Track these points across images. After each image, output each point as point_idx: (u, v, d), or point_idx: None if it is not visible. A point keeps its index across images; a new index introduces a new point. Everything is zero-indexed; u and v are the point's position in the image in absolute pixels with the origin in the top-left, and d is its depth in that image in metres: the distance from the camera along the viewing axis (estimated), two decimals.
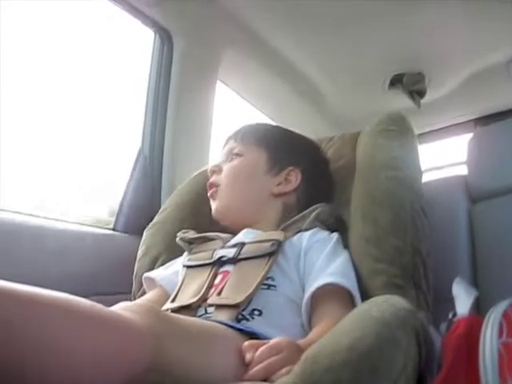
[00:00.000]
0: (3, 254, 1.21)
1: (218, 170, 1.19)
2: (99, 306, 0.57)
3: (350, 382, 0.50)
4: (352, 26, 1.88)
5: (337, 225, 1.08)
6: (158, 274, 1.15)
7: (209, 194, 1.18)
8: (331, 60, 2.10)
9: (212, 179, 1.18)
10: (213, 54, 1.84)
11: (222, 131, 1.75)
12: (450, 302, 0.75)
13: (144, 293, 1.19)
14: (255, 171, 1.16)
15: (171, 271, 1.13)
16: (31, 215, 1.41)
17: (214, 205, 1.17)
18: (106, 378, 0.56)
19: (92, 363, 0.54)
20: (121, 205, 1.66)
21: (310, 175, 1.17)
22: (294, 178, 1.16)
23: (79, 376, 0.54)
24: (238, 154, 1.18)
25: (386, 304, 0.60)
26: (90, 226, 1.61)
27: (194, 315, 0.89)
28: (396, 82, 2.23)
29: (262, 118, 2.28)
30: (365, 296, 0.88)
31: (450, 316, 0.72)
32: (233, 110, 2.31)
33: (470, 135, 1.34)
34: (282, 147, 1.20)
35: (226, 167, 1.18)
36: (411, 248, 0.95)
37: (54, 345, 0.51)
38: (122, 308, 0.61)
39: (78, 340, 0.53)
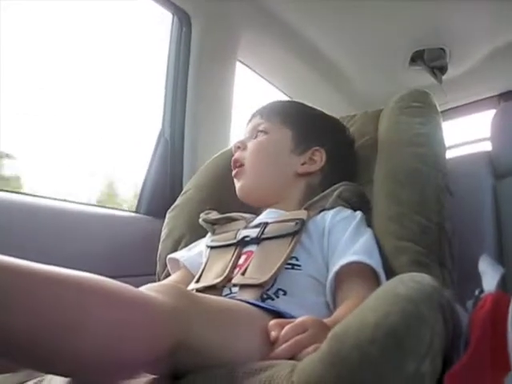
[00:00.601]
0: (28, 236, 1.23)
1: (242, 146, 1.17)
2: (125, 286, 0.58)
3: (377, 358, 0.49)
4: (372, 2, 1.85)
5: (360, 203, 1.07)
6: (181, 255, 1.16)
7: (233, 174, 1.17)
8: (351, 37, 2.07)
9: (236, 155, 1.17)
10: (231, 35, 1.83)
11: (243, 112, 1.74)
12: (475, 279, 0.74)
13: (168, 274, 1.20)
14: (280, 149, 1.15)
15: (195, 252, 1.14)
16: (55, 199, 1.43)
17: (238, 184, 1.16)
18: (132, 357, 0.57)
19: (118, 342, 0.54)
20: (143, 188, 1.68)
21: (335, 156, 1.16)
22: (319, 157, 1.15)
23: (104, 354, 0.54)
24: (263, 131, 1.16)
25: (411, 281, 0.60)
26: (113, 208, 1.63)
27: (219, 295, 0.90)
28: (417, 58, 2.20)
29: (283, 97, 2.26)
30: (389, 274, 0.87)
31: (477, 293, 0.71)
32: (253, 91, 2.30)
33: (494, 111, 1.32)
34: (307, 126, 1.18)
35: (250, 144, 1.16)
36: (436, 225, 0.95)
37: (80, 322, 0.52)
38: (147, 288, 0.62)
39: (104, 318, 0.54)
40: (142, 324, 0.56)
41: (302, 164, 1.14)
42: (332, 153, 1.16)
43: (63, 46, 1.58)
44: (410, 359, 0.51)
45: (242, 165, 1.15)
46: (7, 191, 1.32)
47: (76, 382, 0.66)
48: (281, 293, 0.89)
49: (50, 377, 0.72)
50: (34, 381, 0.74)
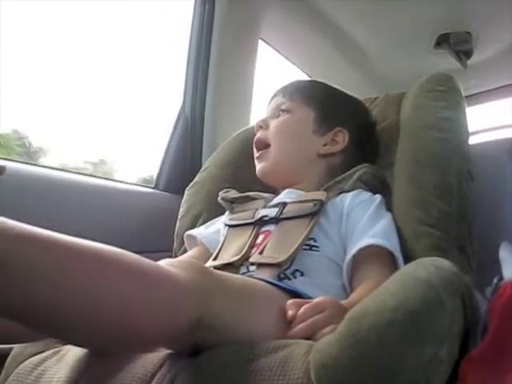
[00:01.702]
0: (49, 208, 1.24)
1: (264, 125, 1.17)
2: (145, 260, 0.58)
3: (394, 342, 0.49)
4: None
5: (380, 187, 1.07)
6: (199, 232, 1.16)
7: (257, 155, 1.16)
8: (375, 19, 2.04)
9: (258, 135, 1.17)
10: (254, 13, 1.80)
11: (263, 91, 1.74)
12: (495, 266, 0.74)
13: (185, 251, 1.20)
14: (303, 129, 1.14)
15: (213, 230, 1.14)
16: (77, 173, 1.44)
17: (260, 165, 1.15)
18: (151, 331, 0.57)
19: (136, 316, 0.55)
20: (162, 164, 1.68)
21: (357, 137, 1.15)
22: (342, 138, 1.14)
23: (123, 327, 0.55)
24: (285, 110, 1.16)
25: (431, 266, 0.60)
26: (132, 184, 1.64)
27: (236, 273, 0.90)
28: (442, 41, 2.16)
29: (304, 77, 2.25)
30: (408, 259, 0.87)
31: (496, 280, 0.71)
32: (275, 70, 2.29)
33: None
34: (330, 107, 1.17)
35: (273, 123, 1.16)
36: (456, 211, 0.94)
37: (100, 294, 0.53)
38: (166, 263, 0.62)
39: (124, 291, 0.54)
40: (163, 299, 0.56)
41: (324, 145, 1.13)
42: (354, 134, 1.15)
43: (85, 22, 1.58)
44: (429, 344, 0.51)
45: (267, 146, 1.14)
46: (32, 164, 1.33)
47: (93, 353, 0.67)
48: (298, 273, 0.89)
49: (68, 347, 0.73)
50: (53, 350, 0.75)
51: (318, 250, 0.93)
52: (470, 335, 0.61)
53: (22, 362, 0.76)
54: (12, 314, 0.52)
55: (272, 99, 1.23)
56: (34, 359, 0.75)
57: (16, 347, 0.80)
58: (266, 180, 1.16)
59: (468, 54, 2.21)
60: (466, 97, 1.15)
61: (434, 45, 2.18)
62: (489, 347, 0.59)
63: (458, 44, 2.16)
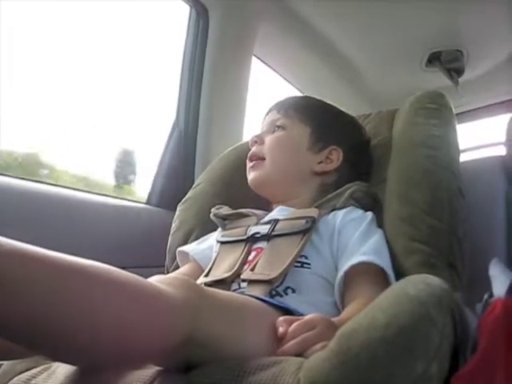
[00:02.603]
0: (38, 224, 1.24)
1: (259, 140, 1.17)
2: (135, 276, 0.58)
3: (385, 359, 0.50)
4: (390, 1, 1.83)
5: (371, 204, 1.07)
6: (191, 248, 1.16)
7: (251, 165, 1.16)
8: (368, 36, 2.06)
9: (253, 150, 1.17)
10: (248, 29, 1.82)
11: (257, 107, 1.75)
12: (485, 283, 0.74)
13: (177, 267, 1.20)
14: (298, 146, 1.14)
15: (205, 246, 1.14)
16: (65, 187, 1.44)
17: (252, 174, 1.15)
18: (141, 349, 0.57)
19: (125, 333, 0.55)
20: (154, 179, 1.68)
21: (352, 156, 1.15)
22: (336, 157, 1.14)
23: (112, 345, 0.55)
24: (280, 127, 1.16)
25: (421, 283, 0.60)
26: (124, 199, 1.63)
27: (228, 290, 0.90)
28: (434, 59, 2.19)
29: (296, 93, 2.26)
30: (399, 275, 0.87)
31: (486, 297, 0.71)
32: (267, 87, 2.30)
33: (510, 115, 1.31)
34: (326, 124, 1.17)
35: (268, 139, 1.16)
36: (447, 228, 0.94)
37: (88, 312, 0.53)
38: (157, 280, 0.62)
39: (113, 309, 0.54)
40: (153, 316, 0.56)
41: (319, 163, 1.13)
42: (349, 153, 1.15)
43: (78, 34, 1.59)
44: (419, 361, 0.51)
45: (260, 158, 1.14)
46: (18, 178, 1.33)
47: (83, 370, 0.67)
48: (290, 290, 0.89)
49: (57, 364, 0.72)
50: (42, 367, 0.74)
51: (309, 267, 0.93)
52: (460, 352, 0.61)
53: (12, 378, 0.74)
54: (1, 330, 0.52)
55: (267, 114, 1.23)
56: (23, 376, 0.74)
57: (5, 364, 0.79)
58: (258, 190, 1.16)
59: (459, 71, 2.23)
60: (457, 114, 1.16)
61: (426, 62, 2.21)
62: (479, 364, 0.59)
63: (449, 62, 2.18)
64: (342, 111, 1.25)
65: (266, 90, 2.29)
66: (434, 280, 0.62)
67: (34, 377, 0.73)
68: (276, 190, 1.14)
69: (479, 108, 2.58)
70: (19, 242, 0.51)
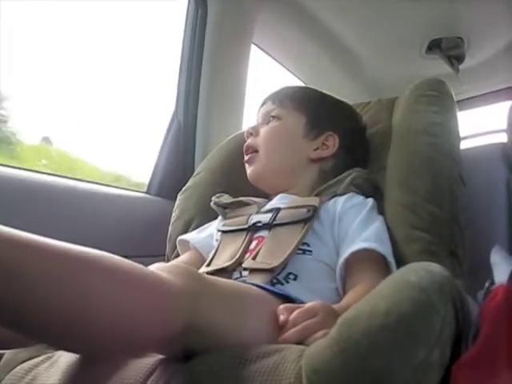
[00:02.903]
0: (39, 213, 1.24)
1: (254, 132, 1.17)
2: (136, 264, 0.58)
3: (386, 346, 0.49)
4: None
5: (372, 190, 1.07)
6: (192, 236, 1.16)
7: (246, 159, 1.16)
8: (367, 23, 2.04)
9: (249, 142, 1.17)
10: (247, 17, 1.81)
11: (256, 96, 1.74)
12: (486, 270, 0.74)
13: (177, 256, 1.20)
14: (293, 135, 1.14)
15: (205, 234, 1.14)
16: (67, 177, 1.44)
17: (250, 168, 1.15)
18: (142, 337, 0.57)
19: (126, 321, 0.55)
20: (154, 169, 1.68)
21: (348, 141, 1.15)
22: (332, 143, 1.14)
23: (113, 333, 0.55)
24: (275, 117, 1.16)
25: (423, 270, 0.60)
26: (124, 188, 1.63)
27: (229, 278, 0.90)
28: (434, 47, 2.17)
29: (297, 82, 2.25)
30: (400, 263, 0.88)
31: (487, 284, 0.71)
32: (267, 75, 2.29)
33: (510, 102, 1.30)
34: (320, 112, 1.17)
35: (263, 130, 1.16)
36: (448, 215, 0.94)
37: (89, 300, 0.52)
38: (158, 268, 0.62)
39: (113, 296, 0.54)
40: (153, 304, 0.56)
41: (315, 149, 1.13)
42: (345, 138, 1.15)
43: (77, 28, 1.59)
44: (420, 348, 0.51)
45: (255, 151, 1.15)
46: (19, 168, 1.33)
47: (85, 359, 0.67)
48: (291, 277, 0.89)
49: (59, 353, 0.73)
50: (44, 356, 0.74)
51: (310, 254, 0.93)
52: (462, 339, 0.61)
53: (14, 368, 0.75)
54: (1, 319, 0.52)
55: (262, 106, 1.23)
56: (26, 365, 0.74)
57: (7, 353, 0.79)
58: (257, 184, 1.16)
59: (460, 58, 2.22)
60: (458, 101, 1.16)
61: (426, 50, 2.20)
62: (480, 351, 0.59)
63: (449, 49, 2.17)
64: (336, 99, 1.25)
65: (265, 79, 2.28)
66: (435, 267, 0.62)
67: (36, 366, 0.73)
68: (274, 181, 1.14)
69: (480, 95, 2.57)
70: (19, 231, 0.51)
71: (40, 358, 0.74)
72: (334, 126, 1.15)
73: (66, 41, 1.55)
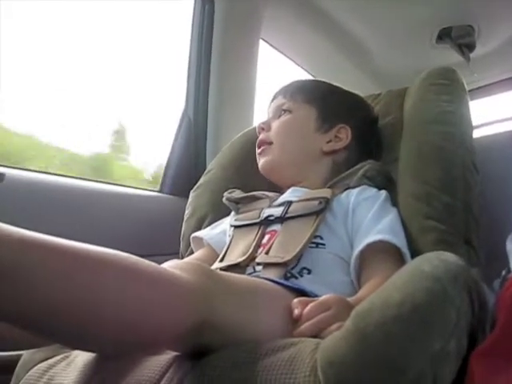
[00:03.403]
0: (55, 214, 1.25)
1: (266, 127, 1.16)
2: (149, 263, 0.58)
3: (401, 337, 0.49)
4: None
5: (385, 182, 1.06)
6: (205, 233, 1.16)
7: (259, 151, 1.16)
8: (376, 14, 2.03)
9: (261, 137, 1.16)
10: (255, 12, 1.81)
11: (266, 91, 1.73)
12: (503, 259, 0.74)
13: (191, 253, 1.20)
14: (305, 128, 1.14)
15: (219, 230, 1.14)
16: (81, 178, 1.45)
17: (262, 160, 1.15)
18: (156, 334, 0.57)
19: (140, 319, 0.55)
20: (166, 167, 1.69)
21: (361, 133, 1.15)
22: (345, 135, 1.13)
23: (127, 330, 0.55)
24: (287, 111, 1.15)
25: (437, 260, 0.59)
26: (137, 188, 1.64)
27: (243, 274, 0.90)
28: (444, 35, 2.15)
29: (306, 76, 2.25)
30: (414, 254, 0.87)
31: (504, 273, 0.71)
32: (276, 70, 2.28)
33: None
34: (332, 104, 1.17)
35: (275, 124, 1.16)
36: (462, 205, 0.93)
37: (104, 298, 0.53)
38: (171, 266, 0.62)
39: (128, 295, 0.54)
40: (166, 301, 0.56)
41: (328, 142, 1.13)
42: (357, 130, 1.14)
43: (87, 23, 1.59)
44: (436, 338, 0.50)
45: (269, 143, 1.14)
46: (35, 171, 1.34)
47: (101, 357, 0.67)
48: (305, 271, 0.89)
49: (76, 352, 0.73)
50: (61, 356, 0.75)
51: (324, 247, 0.93)
52: (478, 328, 0.60)
53: (32, 368, 0.76)
54: (18, 320, 0.52)
55: (272, 101, 1.23)
56: (43, 365, 0.75)
57: (25, 353, 0.80)
58: (269, 176, 1.16)
59: (470, 47, 2.20)
60: (470, 90, 1.15)
61: (436, 39, 2.18)
62: (497, 340, 0.58)
63: (460, 38, 2.15)
64: (347, 91, 1.24)
65: (275, 73, 2.27)
66: (449, 256, 0.61)
67: (53, 365, 0.74)
68: (287, 173, 1.13)
69: (491, 83, 2.54)
70: (29, 231, 0.51)
71: (57, 358, 0.75)
72: (346, 118, 1.15)
73: (78, 39, 1.56)
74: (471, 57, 2.21)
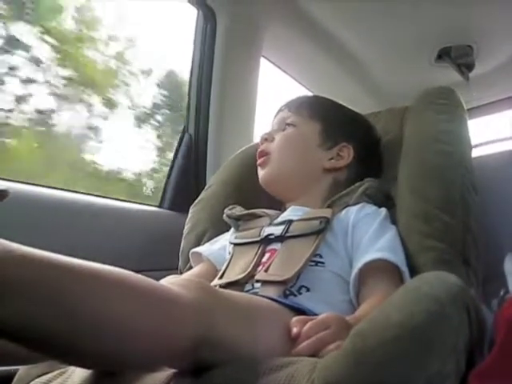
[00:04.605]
0: (52, 229, 1.25)
1: (269, 138, 1.17)
2: (148, 279, 0.58)
3: (400, 358, 0.49)
4: None
5: (384, 200, 1.06)
6: (205, 249, 1.16)
7: (259, 162, 1.16)
8: (376, 33, 2.04)
9: (263, 147, 1.17)
10: (256, 31, 1.82)
11: (267, 108, 1.74)
12: (501, 279, 0.74)
13: (191, 269, 1.19)
14: (308, 143, 1.14)
15: (218, 246, 1.14)
16: (81, 192, 1.45)
17: (262, 172, 1.15)
18: (155, 352, 0.57)
19: (139, 335, 0.55)
20: (166, 183, 1.69)
21: (362, 153, 1.15)
22: (347, 154, 1.14)
23: (125, 347, 0.55)
24: (291, 124, 1.16)
25: (436, 280, 0.59)
26: (137, 203, 1.64)
27: (241, 291, 0.90)
28: (443, 55, 2.17)
29: (306, 93, 2.25)
30: (413, 272, 0.87)
31: (502, 293, 0.71)
32: (277, 87, 2.29)
33: None
34: (336, 122, 1.18)
35: (278, 136, 1.16)
36: (461, 224, 0.93)
37: (101, 315, 0.52)
38: (170, 282, 0.62)
39: (126, 312, 0.54)
40: (166, 319, 0.56)
41: (330, 159, 1.13)
42: (359, 150, 1.15)
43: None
44: (434, 359, 0.50)
45: (268, 153, 1.15)
46: (35, 184, 1.34)
47: (98, 374, 0.67)
48: (304, 289, 0.89)
49: (73, 368, 0.73)
50: (58, 372, 0.75)
51: (323, 266, 0.93)
52: (477, 349, 0.60)
53: (28, 383, 0.75)
54: (16, 335, 0.52)
55: (277, 114, 1.23)
56: (39, 380, 0.74)
57: (21, 369, 0.79)
58: (269, 188, 1.16)
59: (469, 66, 2.21)
60: (468, 109, 1.16)
61: (436, 58, 2.19)
62: (496, 360, 0.58)
63: (459, 57, 2.16)
64: (351, 109, 1.25)
65: (275, 91, 2.28)
66: (448, 277, 0.61)
67: (49, 381, 0.73)
68: (286, 186, 1.14)
69: (490, 103, 2.55)
70: (29, 248, 0.52)
71: (53, 374, 0.75)
72: (348, 137, 1.15)
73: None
74: (470, 76, 2.22)
